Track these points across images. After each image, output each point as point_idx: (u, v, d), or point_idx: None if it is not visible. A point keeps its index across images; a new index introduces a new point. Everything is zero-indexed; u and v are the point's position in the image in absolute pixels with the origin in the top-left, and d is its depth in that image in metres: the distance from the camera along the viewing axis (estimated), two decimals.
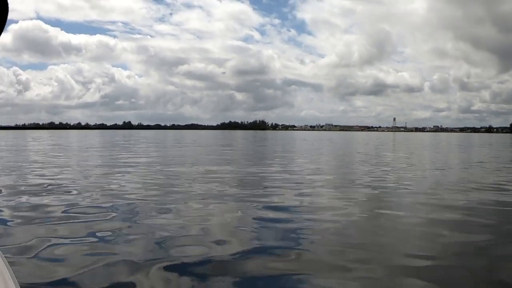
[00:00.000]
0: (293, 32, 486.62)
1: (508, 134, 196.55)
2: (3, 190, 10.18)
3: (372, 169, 17.82)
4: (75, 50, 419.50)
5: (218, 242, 5.79)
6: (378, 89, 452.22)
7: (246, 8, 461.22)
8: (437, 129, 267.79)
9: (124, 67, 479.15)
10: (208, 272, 4.57)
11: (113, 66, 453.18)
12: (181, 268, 4.63)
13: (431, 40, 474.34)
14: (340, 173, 16.46)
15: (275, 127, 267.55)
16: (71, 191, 10.04)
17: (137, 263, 4.74)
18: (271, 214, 7.63)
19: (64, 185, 11.15)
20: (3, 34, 0.94)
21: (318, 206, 8.68)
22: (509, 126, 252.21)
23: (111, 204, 8.50)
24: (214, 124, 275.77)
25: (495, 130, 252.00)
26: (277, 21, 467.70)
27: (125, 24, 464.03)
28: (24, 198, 9.01)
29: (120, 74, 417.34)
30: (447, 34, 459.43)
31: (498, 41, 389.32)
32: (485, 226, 6.94)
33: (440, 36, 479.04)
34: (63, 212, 7.66)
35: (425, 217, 7.81)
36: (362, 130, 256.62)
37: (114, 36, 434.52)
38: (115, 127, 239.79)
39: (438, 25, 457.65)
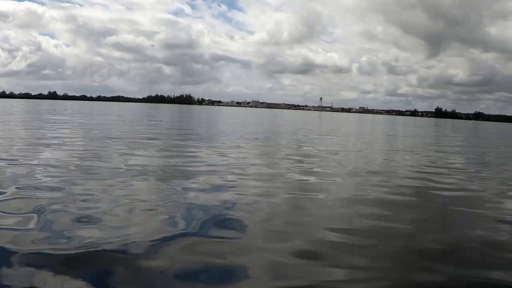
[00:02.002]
0: (223, 7, 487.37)
1: (433, 118, 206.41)
2: None
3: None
4: (2, 16, 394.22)
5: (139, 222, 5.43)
6: (307, 68, 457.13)
7: None
8: (363, 110, 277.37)
9: (52, 36, 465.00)
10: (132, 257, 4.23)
11: (40, 34, 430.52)
12: (96, 253, 4.23)
13: (361, 22, 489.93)
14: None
15: (201, 102, 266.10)
16: None
17: (48, 246, 4.35)
18: (194, 192, 7.25)
19: None
20: None
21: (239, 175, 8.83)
22: (433, 110, 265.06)
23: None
24: (141, 97, 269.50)
25: (420, 114, 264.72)
26: None
27: None
28: None
29: (47, 43, 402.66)
30: (378, 17, 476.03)
31: (428, 27, 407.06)
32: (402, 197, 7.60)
33: (371, 19, 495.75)
34: None
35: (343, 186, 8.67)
36: (288, 108, 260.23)
37: (43, 4, 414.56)
38: (40, 96, 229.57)
39: (369, 8, 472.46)
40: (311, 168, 10.41)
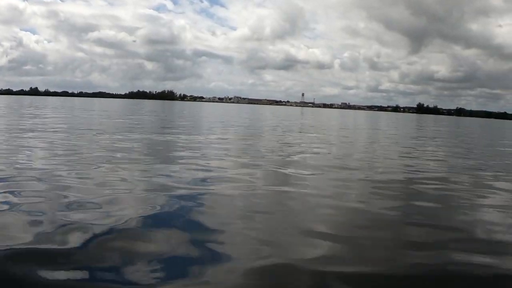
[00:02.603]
0: (205, 3, 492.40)
1: (415, 114, 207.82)
2: None
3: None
4: None
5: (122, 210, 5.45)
6: (289, 64, 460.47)
7: None
8: (345, 106, 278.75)
9: (33, 32, 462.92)
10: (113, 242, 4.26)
11: (21, 30, 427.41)
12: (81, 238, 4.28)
13: (343, 18, 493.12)
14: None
15: (183, 97, 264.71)
16: None
17: (35, 232, 4.39)
18: (176, 181, 7.32)
19: None
20: None
21: (223, 172, 8.56)
22: (415, 106, 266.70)
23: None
24: (122, 93, 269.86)
25: (402, 109, 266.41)
26: None
27: None
28: None
29: (29, 39, 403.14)
30: (361, 13, 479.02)
31: (410, 23, 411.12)
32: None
33: (353, 15, 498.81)
34: None
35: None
36: (270, 104, 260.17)
37: None
38: (21, 93, 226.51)
39: (352, 4, 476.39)
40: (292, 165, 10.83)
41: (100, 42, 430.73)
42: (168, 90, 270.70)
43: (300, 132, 21.62)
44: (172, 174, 7.80)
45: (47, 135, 13.29)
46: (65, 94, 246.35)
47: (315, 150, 13.02)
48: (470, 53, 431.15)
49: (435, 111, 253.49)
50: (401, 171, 9.59)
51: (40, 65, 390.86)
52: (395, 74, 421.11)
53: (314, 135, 20.31)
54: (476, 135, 32.00)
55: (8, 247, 3.93)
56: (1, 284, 3.34)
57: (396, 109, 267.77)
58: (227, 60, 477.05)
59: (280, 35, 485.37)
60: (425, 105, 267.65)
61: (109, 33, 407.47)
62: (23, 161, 8.33)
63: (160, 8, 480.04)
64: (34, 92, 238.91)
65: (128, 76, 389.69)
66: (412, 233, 5.05)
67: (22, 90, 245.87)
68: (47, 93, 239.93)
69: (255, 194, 6.68)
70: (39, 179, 6.75)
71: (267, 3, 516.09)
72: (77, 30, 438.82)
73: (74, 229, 4.44)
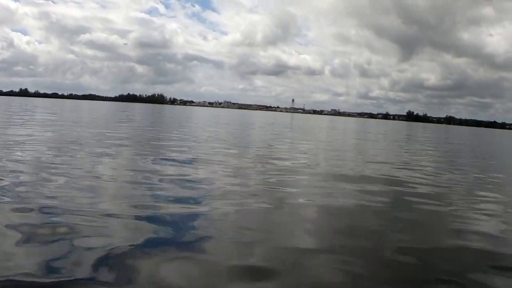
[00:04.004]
0: (197, 7, 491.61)
1: (404, 122, 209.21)
2: None
3: None
4: None
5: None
6: (280, 70, 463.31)
7: None
8: (335, 113, 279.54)
9: (24, 32, 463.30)
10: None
11: (13, 30, 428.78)
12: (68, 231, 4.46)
13: (335, 25, 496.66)
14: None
15: (173, 101, 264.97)
16: None
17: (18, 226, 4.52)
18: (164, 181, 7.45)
19: None
20: None
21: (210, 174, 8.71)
22: (405, 114, 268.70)
23: None
24: (113, 95, 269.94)
25: (391, 117, 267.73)
26: None
27: None
28: None
29: (20, 39, 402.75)
30: (352, 20, 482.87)
31: (401, 31, 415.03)
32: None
33: (345, 22, 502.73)
34: None
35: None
36: (260, 109, 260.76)
37: (16, 0, 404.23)
38: (11, 93, 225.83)
39: (344, 11, 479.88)
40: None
41: (91, 44, 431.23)
42: (158, 94, 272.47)
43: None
44: None
45: None
46: (55, 96, 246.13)
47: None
48: (461, 62, 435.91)
49: (424, 119, 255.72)
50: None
51: (31, 66, 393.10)
52: (385, 82, 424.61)
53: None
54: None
55: None
56: None
57: (386, 116, 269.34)
58: (218, 65, 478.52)
59: (272, 41, 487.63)
60: (414, 113, 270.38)
61: (100, 35, 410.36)
62: None
63: (152, 11, 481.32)
64: (24, 93, 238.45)
65: (119, 79, 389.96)
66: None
67: (12, 91, 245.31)
68: (37, 95, 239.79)
69: None
70: None
71: (259, 9, 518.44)
72: (68, 32, 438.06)
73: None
